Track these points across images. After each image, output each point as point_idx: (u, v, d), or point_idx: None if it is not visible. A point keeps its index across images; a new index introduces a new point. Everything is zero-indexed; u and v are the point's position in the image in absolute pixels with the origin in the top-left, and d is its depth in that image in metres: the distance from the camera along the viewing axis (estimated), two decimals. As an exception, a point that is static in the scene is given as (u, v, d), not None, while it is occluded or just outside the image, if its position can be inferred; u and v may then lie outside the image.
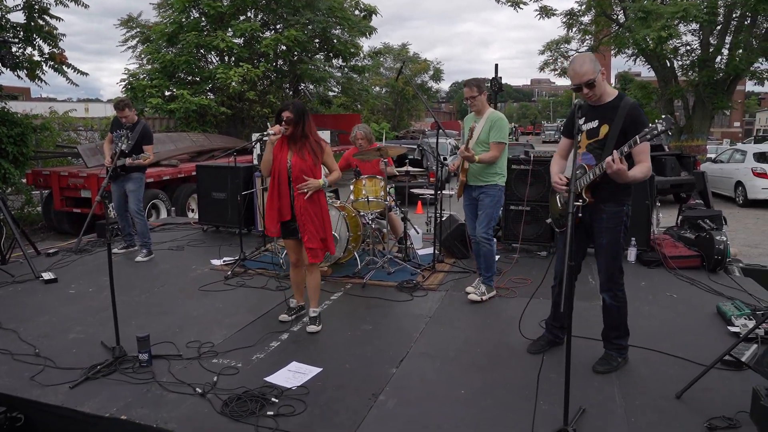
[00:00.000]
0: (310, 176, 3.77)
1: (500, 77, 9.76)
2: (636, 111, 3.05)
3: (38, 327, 4.03)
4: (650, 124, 2.83)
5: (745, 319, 3.91)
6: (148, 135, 5.95)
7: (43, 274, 5.22)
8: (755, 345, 3.48)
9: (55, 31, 9.67)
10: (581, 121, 3.21)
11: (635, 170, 3.03)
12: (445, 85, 55.31)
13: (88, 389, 3.12)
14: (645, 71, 19.49)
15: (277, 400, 2.96)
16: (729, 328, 3.90)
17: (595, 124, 3.15)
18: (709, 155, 16.93)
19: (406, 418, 2.83)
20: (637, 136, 2.86)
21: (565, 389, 2.57)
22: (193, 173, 8.68)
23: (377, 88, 28.76)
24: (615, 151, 2.93)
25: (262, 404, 2.92)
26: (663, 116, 2.84)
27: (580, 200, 3.15)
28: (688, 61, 17.23)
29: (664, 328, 3.97)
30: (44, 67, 9.77)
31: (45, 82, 10.00)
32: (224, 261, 5.72)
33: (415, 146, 12.47)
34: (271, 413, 2.84)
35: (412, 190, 7.75)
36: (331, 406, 2.94)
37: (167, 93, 15.06)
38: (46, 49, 9.73)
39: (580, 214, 3.20)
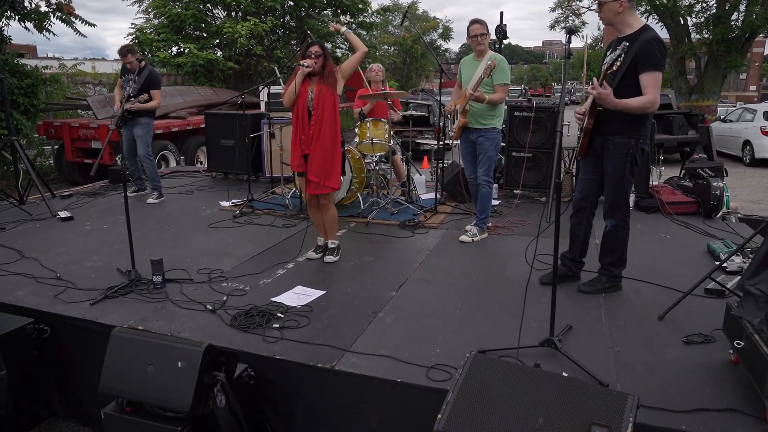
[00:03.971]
0: (330, 106, 3.87)
1: (505, 25, 9.60)
2: (648, 45, 3.05)
3: (58, 256, 4.26)
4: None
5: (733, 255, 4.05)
6: (156, 79, 6.02)
7: (60, 213, 5.43)
8: (739, 277, 3.65)
9: (62, -19, 9.65)
10: (609, 53, 3.30)
11: (632, 99, 3.10)
12: (455, 46, 54.10)
13: (107, 306, 3.35)
14: (658, 30, 19.09)
15: (282, 316, 3.18)
16: (717, 263, 4.04)
17: (615, 54, 3.19)
18: (718, 116, 16.76)
19: (403, 331, 3.03)
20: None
21: (552, 300, 2.74)
22: (202, 126, 8.79)
23: (386, 47, 28.37)
24: (594, 78, 3.06)
25: (268, 318, 3.14)
26: None
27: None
28: (702, 19, 16.88)
29: (656, 263, 4.12)
30: (51, 18, 9.78)
31: (53, 33, 10.00)
32: (233, 202, 5.91)
33: (421, 102, 12.52)
34: (277, 326, 3.06)
35: (417, 141, 7.85)
36: (333, 321, 3.15)
37: (174, 48, 15.02)
38: (54, -1, 9.72)
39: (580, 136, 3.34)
